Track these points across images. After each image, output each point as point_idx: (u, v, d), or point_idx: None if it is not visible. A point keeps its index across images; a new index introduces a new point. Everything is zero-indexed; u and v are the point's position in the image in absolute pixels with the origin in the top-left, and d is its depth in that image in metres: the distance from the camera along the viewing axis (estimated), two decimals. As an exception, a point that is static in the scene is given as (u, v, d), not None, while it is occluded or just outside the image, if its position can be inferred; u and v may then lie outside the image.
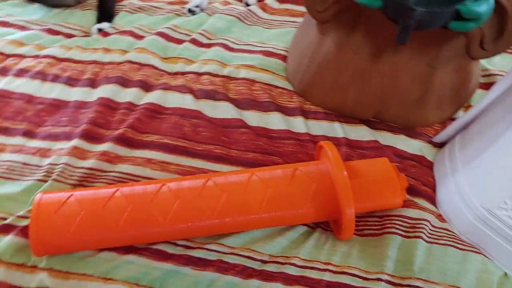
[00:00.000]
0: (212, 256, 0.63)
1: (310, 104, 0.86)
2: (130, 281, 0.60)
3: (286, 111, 0.84)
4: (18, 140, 0.77)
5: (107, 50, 0.96)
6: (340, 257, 0.63)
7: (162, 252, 0.63)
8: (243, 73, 0.90)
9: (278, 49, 0.97)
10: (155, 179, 0.71)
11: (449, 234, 0.67)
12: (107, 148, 0.75)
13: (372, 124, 0.83)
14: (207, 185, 0.63)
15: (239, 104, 0.84)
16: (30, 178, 0.71)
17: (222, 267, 0.62)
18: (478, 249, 0.65)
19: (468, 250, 0.65)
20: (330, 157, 0.62)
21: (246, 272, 0.61)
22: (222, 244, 0.64)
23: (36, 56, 0.93)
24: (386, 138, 0.81)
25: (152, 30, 1.02)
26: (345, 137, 0.80)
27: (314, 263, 0.62)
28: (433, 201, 0.71)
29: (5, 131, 0.78)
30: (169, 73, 0.91)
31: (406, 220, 0.67)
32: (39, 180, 0.70)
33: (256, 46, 0.98)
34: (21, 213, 0.65)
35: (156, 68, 0.91)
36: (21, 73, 0.89)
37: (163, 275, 0.61)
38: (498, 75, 0.93)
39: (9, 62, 0.91)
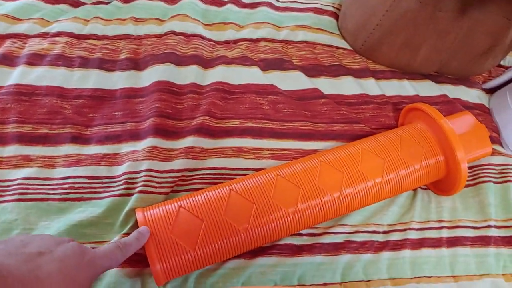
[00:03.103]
0: (340, 239, 0.60)
1: (373, 63, 0.80)
2: (270, 284, 0.55)
3: (355, 74, 0.77)
4: (68, 149, 0.61)
5: (137, 20, 0.76)
6: (449, 213, 0.65)
7: (291, 246, 0.58)
8: (301, 36, 0.80)
9: (325, 5, 0.87)
10: (253, 168, 0.63)
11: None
12: (190, 143, 0.62)
13: (434, 78, 0.81)
14: (321, 166, 0.57)
15: (307, 71, 0.75)
16: (107, 195, 0.57)
17: (352, 247, 0.59)
18: None
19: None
20: (433, 116, 0.61)
21: (373, 247, 0.60)
22: (345, 225, 0.61)
23: (45, 35, 0.71)
24: (450, 90, 0.80)
25: (184, -9, 0.83)
26: (417, 95, 0.77)
27: (429, 223, 0.63)
28: (501, 144, 0.74)
29: (45, 139, 0.61)
30: (219, 43, 0.77)
31: (493, 167, 0.69)
32: (119, 195, 0.57)
33: (303, 3, 0.87)
34: (115, 239, 0.53)
35: (203, 37, 0.76)
36: (35, 59, 0.67)
37: (300, 270, 0.56)
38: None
39: (10, 45, 0.68)
